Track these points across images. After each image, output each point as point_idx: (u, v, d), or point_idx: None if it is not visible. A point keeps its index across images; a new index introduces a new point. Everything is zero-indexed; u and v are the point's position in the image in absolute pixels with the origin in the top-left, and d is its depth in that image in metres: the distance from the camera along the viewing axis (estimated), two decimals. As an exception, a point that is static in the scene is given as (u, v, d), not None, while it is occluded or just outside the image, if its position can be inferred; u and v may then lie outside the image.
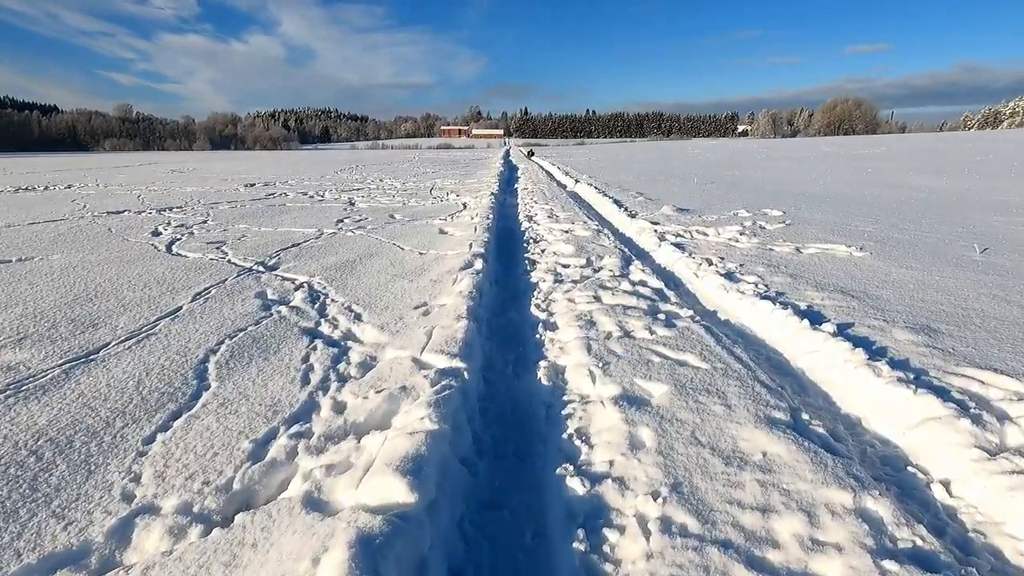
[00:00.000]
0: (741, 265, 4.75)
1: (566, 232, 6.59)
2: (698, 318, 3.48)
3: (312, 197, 11.24)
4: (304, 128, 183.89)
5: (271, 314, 3.66)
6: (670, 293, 4.06)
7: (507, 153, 44.75)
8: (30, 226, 7.40)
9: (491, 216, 7.72)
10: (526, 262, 5.11)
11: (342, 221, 7.86)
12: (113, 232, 6.91)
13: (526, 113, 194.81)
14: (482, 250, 5.20)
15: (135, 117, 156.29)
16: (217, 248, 5.83)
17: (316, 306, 3.86)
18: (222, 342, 3.14)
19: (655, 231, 6.34)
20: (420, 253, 5.42)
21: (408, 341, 3.10)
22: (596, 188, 11.46)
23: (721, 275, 4.39)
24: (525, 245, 6.03)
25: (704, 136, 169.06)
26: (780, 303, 3.61)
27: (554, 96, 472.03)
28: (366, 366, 2.86)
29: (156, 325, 3.44)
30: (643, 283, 4.26)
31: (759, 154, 30.66)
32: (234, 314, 3.64)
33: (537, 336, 3.35)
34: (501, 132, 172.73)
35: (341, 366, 2.86)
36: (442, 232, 6.74)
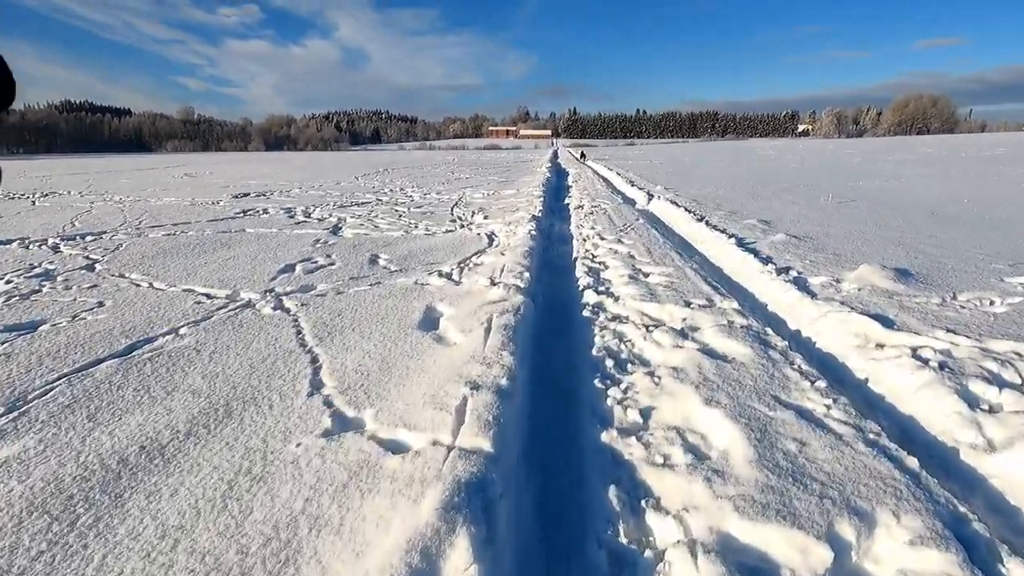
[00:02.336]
0: None
1: (680, 333, 3.08)
2: None
3: (294, 217, 8.42)
4: (355, 129, 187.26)
5: None
6: None
7: (555, 155, 41.39)
8: None
9: (528, 273, 4.49)
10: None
11: (291, 270, 4.91)
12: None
13: (574, 113, 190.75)
14: (489, 448, 1.89)
15: (196, 119, 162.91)
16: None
17: None
18: None
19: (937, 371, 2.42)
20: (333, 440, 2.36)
21: None
22: (684, 208, 8.08)
23: None
24: (600, 382, 2.55)
25: (761, 136, 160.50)
26: None
27: (602, 96, 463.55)
28: None
29: None
30: None
31: (851, 156, 26.14)
32: None
33: None
34: (549, 132, 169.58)
35: None
36: (430, 322, 3.54)
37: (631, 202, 9.92)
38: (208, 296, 4.05)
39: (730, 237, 5.66)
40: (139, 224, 7.78)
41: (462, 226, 7.33)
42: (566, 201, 10.28)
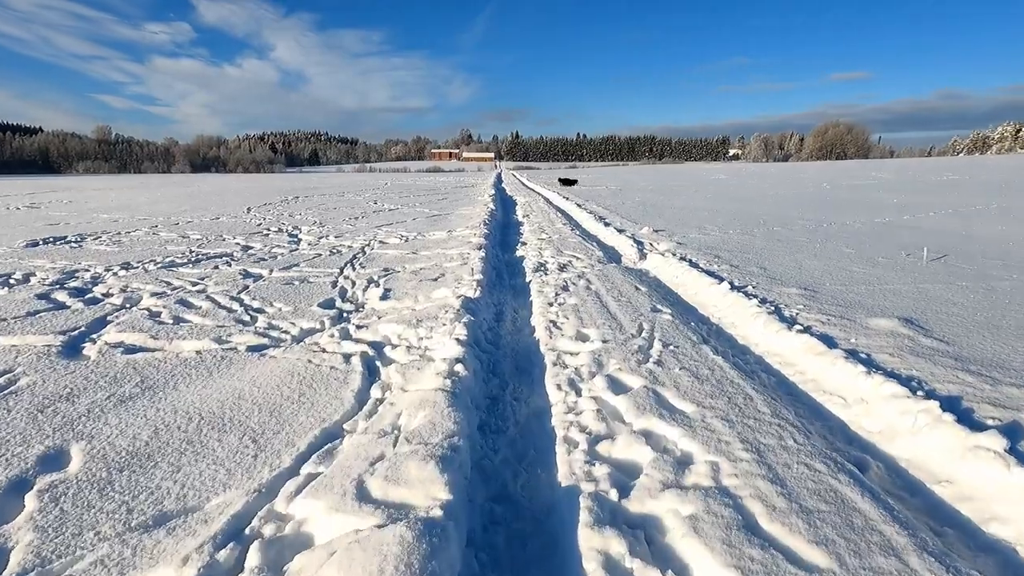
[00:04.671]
0: None
1: None
2: None
3: (46, 296, 4.85)
4: (293, 151, 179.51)
5: None
6: None
7: (499, 179, 38.62)
8: None
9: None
10: None
11: None
12: None
13: (517, 136, 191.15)
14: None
15: (113, 139, 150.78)
16: None
17: None
18: None
19: None
20: None
21: None
22: (706, 271, 5.09)
23: None
24: None
25: (696, 159, 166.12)
26: None
27: (546, 120, 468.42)
28: None
29: None
30: None
31: (805, 180, 24.70)
32: None
33: None
34: (492, 155, 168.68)
35: None
36: None
37: (613, 256, 6.89)
38: None
39: (879, 375, 2.62)
40: None
41: (336, 322, 4.06)
42: (519, 252, 7.14)
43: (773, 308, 3.80)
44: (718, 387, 2.64)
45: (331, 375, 2.99)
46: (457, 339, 3.23)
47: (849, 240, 7.06)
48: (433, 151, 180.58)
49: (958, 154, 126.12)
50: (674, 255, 5.96)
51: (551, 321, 3.80)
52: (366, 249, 7.58)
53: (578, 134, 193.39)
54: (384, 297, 4.77)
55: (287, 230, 10.02)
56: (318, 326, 4.08)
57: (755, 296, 4.13)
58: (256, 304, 4.71)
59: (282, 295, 4.96)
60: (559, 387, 2.71)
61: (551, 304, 4.22)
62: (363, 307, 4.58)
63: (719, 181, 27.41)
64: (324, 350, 3.43)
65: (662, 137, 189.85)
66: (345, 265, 6.37)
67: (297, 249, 7.69)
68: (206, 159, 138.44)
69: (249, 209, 14.30)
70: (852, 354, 2.93)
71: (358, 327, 3.90)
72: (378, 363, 3.18)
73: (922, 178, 25.44)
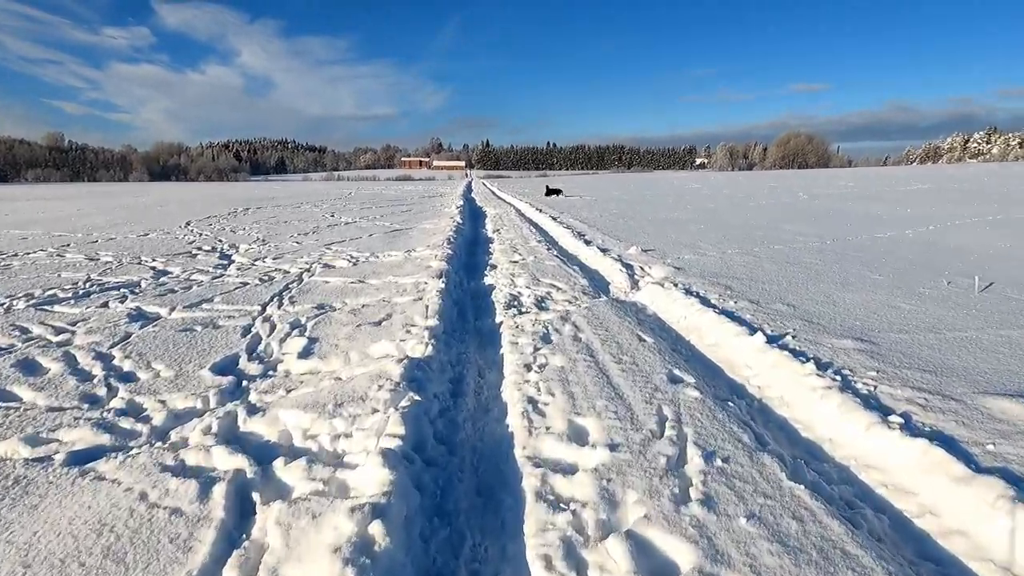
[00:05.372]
0: None
1: None
2: None
3: None
4: (258, 159, 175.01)
5: None
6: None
7: (468, 188, 37.49)
8: None
9: None
10: None
11: None
12: None
13: (488, 145, 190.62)
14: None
15: (66, 146, 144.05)
16: None
17: None
18: None
19: None
20: None
21: None
22: (719, 309, 4.05)
23: None
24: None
25: (664, 168, 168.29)
26: None
27: (515, 129, 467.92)
28: None
29: None
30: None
31: (779, 189, 24.33)
32: None
33: None
34: (463, 164, 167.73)
35: None
36: None
37: (600, 284, 5.80)
38: None
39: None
40: None
41: (226, 399, 2.86)
42: (487, 279, 5.98)
43: (836, 376, 2.74)
44: (824, 561, 1.55)
45: (168, 529, 1.78)
46: (387, 451, 2.07)
47: (868, 262, 6.15)
48: (403, 159, 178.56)
49: (911, 163, 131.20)
50: (675, 285, 4.91)
51: (529, 399, 2.66)
52: (305, 276, 6.33)
53: (548, 143, 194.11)
54: (305, 353, 3.56)
55: (221, 249, 8.67)
56: (199, 406, 2.86)
57: (802, 354, 3.07)
58: (127, 366, 3.45)
59: (169, 350, 3.70)
60: (549, 566, 1.56)
61: (528, 367, 3.09)
62: (273, 370, 3.36)
63: (693, 190, 26.87)
64: (183, 464, 2.22)
65: (631, 146, 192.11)
66: (272, 300, 5.12)
67: (222, 275, 6.39)
68: (166, 167, 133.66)
69: (188, 223, 12.80)
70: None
71: (252, 411, 2.69)
72: (256, 497, 1.98)
73: (892, 187, 25.37)
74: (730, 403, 2.62)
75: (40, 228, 12.04)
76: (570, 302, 4.72)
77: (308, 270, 6.69)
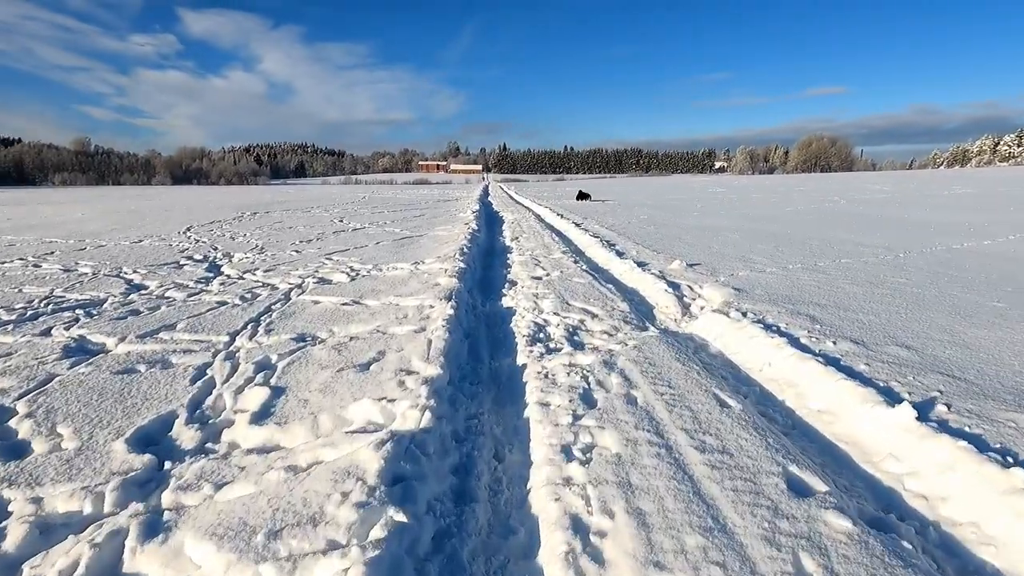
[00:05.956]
0: None
1: None
2: None
3: None
4: (278, 163, 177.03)
5: None
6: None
7: (485, 192, 36.61)
8: None
9: None
10: None
11: None
12: None
13: (504, 148, 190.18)
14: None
15: (93, 150, 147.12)
16: None
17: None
18: None
19: None
20: None
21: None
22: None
23: None
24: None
25: (682, 172, 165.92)
26: None
27: (531, 133, 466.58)
28: None
29: None
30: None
31: (816, 195, 22.98)
32: None
33: None
34: (480, 167, 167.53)
35: None
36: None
37: (642, 308, 4.79)
38: None
39: None
40: None
41: (130, 497, 1.91)
42: (506, 300, 5.00)
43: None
44: None
45: None
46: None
47: (969, 283, 5.05)
48: (421, 163, 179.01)
49: (938, 166, 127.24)
50: (743, 314, 3.88)
51: (574, 524, 1.68)
52: (294, 293, 5.44)
53: (565, 147, 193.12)
54: (263, 415, 2.64)
55: (213, 258, 7.87)
56: (87, 511, 1.96)
57: (982, 443, 2.04)
58: (23, 429, 2.56)
59: (91, 403, 2.81)
60: None
61: (567, 451, 2.12)
62: (213, 443, 2.44)
63: (719, 195, 25.63)
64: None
65: (648, 150, 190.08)
66: (245, 327, 4.22)
67: (201, 292, 5.53)
68: (188, 171, 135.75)
69: (188, 229, 12.07)
70: None
71: (150, 532, 1.75)
72: None
73: (934, 191, 23.86)
74: (903, 542, 1.61)
75: (34, 234, 11.40)
76: (610, 334, 3.74)
77: (300, 286, 5.80)
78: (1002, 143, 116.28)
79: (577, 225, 11.05)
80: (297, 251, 8.43)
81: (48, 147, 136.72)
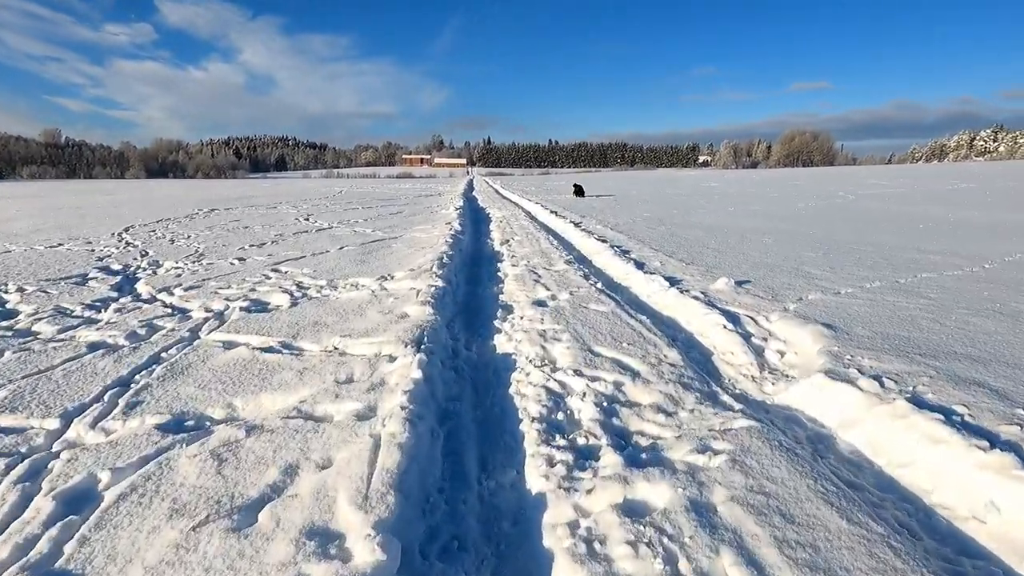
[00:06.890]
0: None
1: None
2: None
3: None
4: (258, 156, 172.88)
5: None
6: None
7: (470, 186, 35.04)
8: None
9: None
10: None
11: None
12: None
13: (489, 142, 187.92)
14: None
15: (63, 143, 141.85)
16: None
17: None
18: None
19: None
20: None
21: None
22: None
23: None
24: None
25: (666, 166, 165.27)
26: None
27: (516, 128, 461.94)
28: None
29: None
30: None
31: (815, 188, 21.84)
32: None
33: None
34: (464, 161, 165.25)
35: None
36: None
37: (699, 360, 3.37)
38: None
39: None
40: None
41: None
42: (499, 341, 3.55)
43: None
44: None
45: None
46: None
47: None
48: (404, 156, 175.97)
49: (916, 161, 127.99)
50: (880, 383, 2.49)
51: None
52: (206, 327, 3.93)
53: (550, 140, 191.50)
54: None
55: (133, 269, 6.32)
56: None
57: None
58: None
59: None
60: None
61: None
62: None
63: (715, 189, 24.40)
64: None
65: (633, 144, 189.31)
66: (102, 395, 2.73)
67: (81, 325, 4.00)
68: (164, 164, 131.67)
69: (127, 230, 10.39)
70: None
71: None
72: None
73: (934, 187, 22.86)
74: None
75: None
76: (669, 414, 2.33)
77: (221, 314, 4.29)
78: (978, 138, 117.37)
79: (576, 225, 9.61)
80: (241, 259, 6.89)
81: (16, 139, 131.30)
